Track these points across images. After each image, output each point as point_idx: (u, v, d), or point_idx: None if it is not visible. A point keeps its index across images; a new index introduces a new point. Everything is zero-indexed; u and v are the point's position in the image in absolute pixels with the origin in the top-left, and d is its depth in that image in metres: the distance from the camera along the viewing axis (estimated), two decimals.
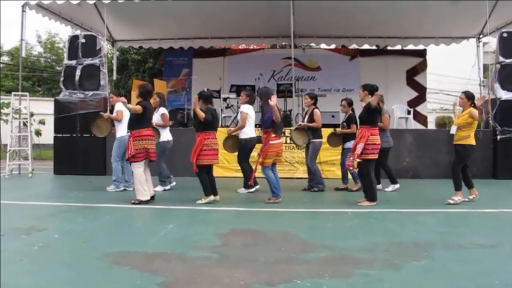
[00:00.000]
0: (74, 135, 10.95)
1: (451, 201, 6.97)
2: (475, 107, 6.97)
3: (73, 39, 11.53)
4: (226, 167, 10.46)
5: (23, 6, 11.22)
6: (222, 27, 14.25)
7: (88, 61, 11.16)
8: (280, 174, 9.72)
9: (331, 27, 14.09)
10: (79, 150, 10.88)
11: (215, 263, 4.05)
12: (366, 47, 15.55)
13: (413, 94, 15.51)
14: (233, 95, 12.49)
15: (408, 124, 14.38)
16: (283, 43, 16.19)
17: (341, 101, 8.79)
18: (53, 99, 12.56)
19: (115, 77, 15.93)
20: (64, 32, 32.36)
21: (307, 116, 8.61)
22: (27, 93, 12.04)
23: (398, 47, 15.56)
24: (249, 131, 8.23)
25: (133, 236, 5.01)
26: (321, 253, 4.35)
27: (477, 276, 3.75)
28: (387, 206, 6.96)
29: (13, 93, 12.44)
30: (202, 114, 6.90)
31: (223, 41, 15.55)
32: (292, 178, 10.13)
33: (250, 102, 8.43)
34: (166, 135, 8.48)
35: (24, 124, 11.73)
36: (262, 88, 8.05)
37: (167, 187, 8.53)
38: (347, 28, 14.18)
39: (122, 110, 8.23)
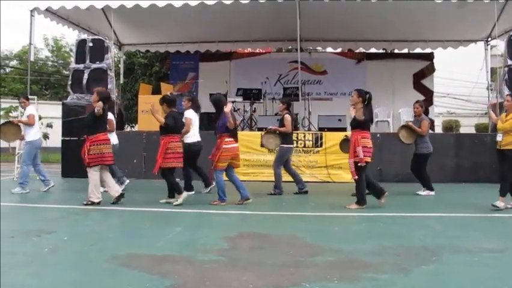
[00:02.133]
0: (82, 138, 10.97)
1: (497, 206, 6.75)
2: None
3: (81, 43, 11.62)
4: None
5: (31, 11, 11.33)
6: (228, 31, 14.29)
7: (96, 65, 11.21)
8: (285, 178, 9.77)
9: (337, 30, 14.10)
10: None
11: (223, 266, 4.06)
12: (373, 50, 15.54)
13: (420, 98, 15.39)
14: (239, 99, 12.52)
15: None
16: (289, 47, 16.22)
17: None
18: (60, 102, 12.64)
19: (121, 80, 16.00)
20: (70, 36, 32.55)
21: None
22: (35, 97, 12.11)
23: (405, 51, 15.51)
24: (193, 136, 8.34)
25: (141, 239, 5.02)
26: (328, 257, 4.35)
27: (486, 281, 3.73)
28: (395, 210, 6.95)
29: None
30: (161, 120, 7.20)
31: (229, 44, 15.59)
32: None
33: (194, 107, 8.58)
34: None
35: None
36: (215, 95, 8.09)
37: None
38: (354, 32, 14.18)
39: (34, 114, 8.37)
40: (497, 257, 4.45)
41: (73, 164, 10.92)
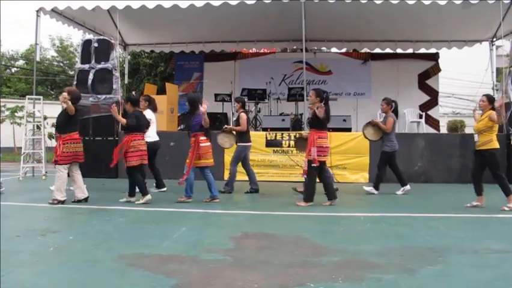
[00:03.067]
0: (87, 138, 11.01)
1: (506, 208, 6.79)
2: (494, 110, 6.91)
3: (86, 43, 11.62)
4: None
5: (37, 11, 11.38)
6: (233, 31, 14.29)
7: (101, 65, 11.23)
8: (291, 178, 9.80)
9: (342, 31, 14.08)
10: (92, 153, 10.88)
11: (229, 266, 4.06)
12: (377, 50, 15.50)
13: (425, 98, 15.41)
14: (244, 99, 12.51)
15: (420, 128, 14.31)
16: (294, 47, 16.19)
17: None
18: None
19: (126, 80, 16.01)
20: (76, 36, 32.68)
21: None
22: (41, 97, 12.15)
23: (410, 51, 15.47)
24: (154, 135, 8.57)
25: (146, 239, 5.03)
26: (334, 257, 4.35)
27: (493, 282, 3.72)
28: (400, 210, 6.95)
29: (27, 96, 12.57)
30: (123, 121, 7.40)
31: (234, 44, 15.59)
32: (303, 182, 10.07)
33: (152, 108, 8.69)
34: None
35: (38, 127, 11.86)
36: (191, 94, 8.27)
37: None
38: (358, 32, 14.16)
39: None
40: (504, 258, 4.42)
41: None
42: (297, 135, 9.03)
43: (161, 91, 13.03)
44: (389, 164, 8.70)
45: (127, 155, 7.28)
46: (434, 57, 15.50)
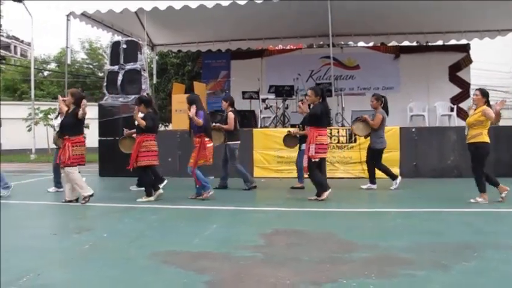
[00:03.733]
0: (118, 138, 11.18)
1: (473, 201, 6.88)
2: (489, 105, 6.82)
3: (115, 45, 11.82)
4: (266, 167, 10.50)
5: (67, 15, 11.64)
6: (259, 29, 14.31)
7: (130, 66, 11.40)
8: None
9: (369, 24, 13.90)
10: (122, 153, 11.11)
11: (260, 262, 4.08)
12: (406, 43, 15.26)
13: (456, 90, 15.05)
14: (272, 96, 12.53)
15: (452, 121, 14.01)
16: (321, 42, 16.09)
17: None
18: (96, 104, 12.90)
19: (155, 80, 16.23)
20: (105, 38, 33.23)
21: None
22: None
23: (440, 42, 15.18)
24: None
25: (178, 236, 5.11)
26: (365, 253, 4.31)
27: None
28: (431, 205, 6.84)
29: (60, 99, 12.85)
30: (143, 122, 7.42)
31: (260, 42, 15.62)
32: (333, 178, 10.03)
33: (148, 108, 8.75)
34: None
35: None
36: (190, 95, 8.19)
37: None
38: (386, 25, 13.98)
39: None
40: None
41: (110, 163, 11.17)
42: (286, 132, 9.09)
43: (189, 90, 13.11)
44: (372, 159, 8.71)
45: (139, 155, 7.43)
46: (465, 48, 15.14)
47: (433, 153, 10.13)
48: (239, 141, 8.84)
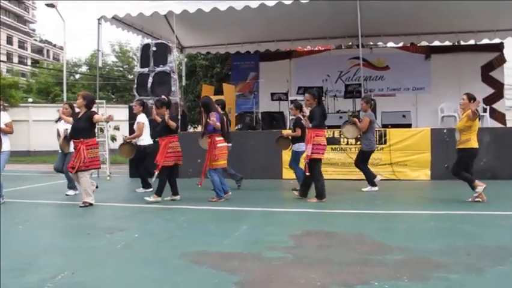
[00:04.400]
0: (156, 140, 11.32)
1: (470, 199, 7.04)
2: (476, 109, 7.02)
3: (145, 47, 12.00)
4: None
5: (99, 19, 11.88)
6: (287, 30, 14.30)
7: (159, 68, 11.55)
8: (350, 176, 9.69)
9: (399, 24, 13.73)
10: (152, 154, 11.24)
11: (290, 263, 4.07)
12: (436, 43, 15.00)
13: (489, 91, 14.69)
14: (300, 97, 12.47)
15: (485, 122, 13.69)
16: (350, 43, 15.97)
17: (291, 103, 9.24)
18: (126, 106, 13.11)
19: (184, 82, 16.38)
20: (134, 41, 33.78)
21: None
22: (104, 101, 12.66)
23: (472, 42, 14.87)
24: (147, 139, 9.09)
25: (208, 237, 5.14)
26: (397, 255, 4.26)
27: None
28: (465, 208, 6.70)
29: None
30: (174, 124, 7.56)
31: (288, 43, 15.61)
32: (363, 180, 9.93)
33: (146, 112, 9.04)
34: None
35: (101, 130, 12.35)
36: (204, 98, 8.33)
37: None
38: (416, 25, 13.74)
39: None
40: None
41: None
42: (279, 134, 9.29)
43: (218, 92, 13.21)
44: (363, 161, 8.79)
45: (166, 155, 7.50)
46: (498, 47, 14.79)
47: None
48: (230, 144, 8.90)
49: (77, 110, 7.80)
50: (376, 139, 10.15)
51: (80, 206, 7.16)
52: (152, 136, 8.96)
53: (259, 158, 10.23)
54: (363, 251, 4.42)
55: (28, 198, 8.11)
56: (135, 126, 9.13)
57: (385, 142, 10.15)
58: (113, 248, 4.71)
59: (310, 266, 3.98)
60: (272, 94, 12.97)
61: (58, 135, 8.54)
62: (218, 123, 7.43)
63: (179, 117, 11.18)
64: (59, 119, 8.56)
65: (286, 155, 10.44)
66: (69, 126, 7.83)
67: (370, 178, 8.64)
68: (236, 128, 13.28)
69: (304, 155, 7.50)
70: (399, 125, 10.52)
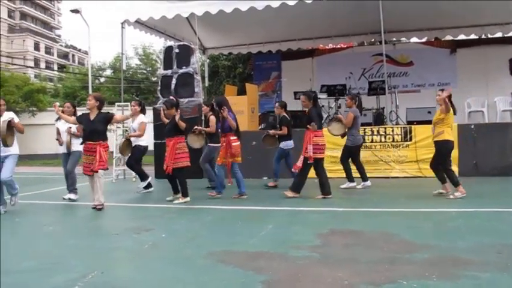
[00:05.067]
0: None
1: (452, 197, 7.16)
2: (452, 103, 7.16)
3: (168, 50, 12.08)
4: None
5: (122, 23, 12.04)
6: (309, 28, 14.24)
7: (182, 70, 11.62)
8: (375, 174, 9.60)
9: (422, 19, 13.49)
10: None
11: (317, 262, 4.06)
12: (461, 37, 14.72)
13: None
14: (324, 95, 12.42)
15: None
16: (372, 40, 15.82)
17: (275, 103, 9.36)
18: (151, 108, 13.23)
19: (207, 83, 16.47)
20: (157, 44, 34.11)
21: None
22: (129, 103, 12.79)
23: (499, 35, 14.52)
24: (147, 139, 9.28)
25: (234, 236, 5.16)
26: (425, 253, 4.20)
27: None
28: (495, 205, 6.54)
29: (116, 104, 13.35)
30: (183, 125, 7.61)
31: (310, 41, 15.54)
32: (388, 177, 9.85)
33: (144, 112, 9.17)
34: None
35: (126, 131, 12.49)
36: (218, 97, 8.57)
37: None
38: (440, 19, 13.48)
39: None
40: None
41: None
42: (265, 133, 9.40)
43: (241, 92, 13.23)
44: (351, 158, 8.84)
45: (176, 157, 7.55)
46: None
47: (494, 151, 9.71)
48: (219, 144, 8.90)
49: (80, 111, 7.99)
50: (402, 136, 10.04)
51: (98, 208, 7.06)
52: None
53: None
54: (391, 249, 4.37)
55: (56, 200, 8.23)
56: (136, 126, 9.14)
57: (410, 139, 10.01)
58: (140, 248, 4.77)
59: (337, 265, 3.96)
60: (295, 93, 12.90)
61: (58, 133, 8.28)
62: (234, 123, 7.71)
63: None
64: (59, 118, 8.20)
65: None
66: (71, 125, 7.88)
67: (349, 174, 8.80)
68: (259, 127, 13.29)
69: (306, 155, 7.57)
70: (425, 121, 10.34)
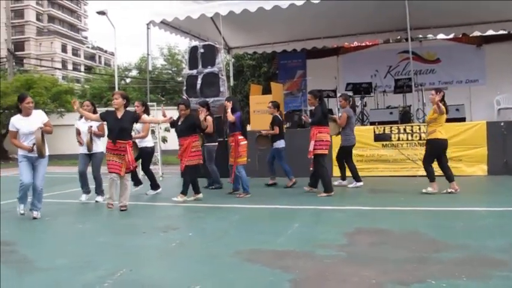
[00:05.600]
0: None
1: (424, 191, 7.55)
2: (444, 103, 7.49)
3: (193, 49, 12.15)
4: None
5: (147, 24, 12.19)
6: (334, 26, 14.15)
7: (208, 69, 11.68)
8: (402, 172, 9.50)
9: (449, 15, 13.22)
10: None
11: (343, 261, 4.05)
12: (490, 32, 14.40)
13: None
14: (349, 94, 12.32)
15: None
16: (398, 37, 15.62)
17: (268, 103, 9.42)
18: (176, 108, 13.35)
19: (232, 83, 16.51)
20: (182, 45, 34.41)
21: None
22: (155, 104, 12.96)
23: None
24: (151, 139, 9.25)
25: (261, 235, 5.18)
26: (455, 253, 4.14)
27: None
28: None
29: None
30: (207, 124, 8.13)
31: (335, 40, 15.43)
32: (416, 176, 9.72)
33: (148, 112, 8.88)
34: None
35: (153, 132, 12.64)
36: (230, 96, 8.87)
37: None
38: (467, 14, 13.18)
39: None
40: None
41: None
42: (258, 133, 9.52)
43: (266, 91, 13.24)
44: (341, 156, 9.00)
45: (191, 155, 7.63)
46: None
47: None
48: (216, 143, 9.28)
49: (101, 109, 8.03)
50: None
51: (123, 209, 6.98)
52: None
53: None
54: (419, 248, 4.33)
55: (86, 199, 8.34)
56: (139, 127, 8.76)
57: None
58: (168, 246, 4.83)
59: (363, 264, 3.94)
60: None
61: (78, 134, 8.06)
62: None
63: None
64: (81, 117, 8.01)
65: (336, 153, 10.36)
66: (91, 124, 7.81)
67: (356, 174, 8.87)
68: (285, 126, 13.28)
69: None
70: (453, 119, 10.18)
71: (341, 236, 4.90)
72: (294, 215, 6.35)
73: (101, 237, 5.47)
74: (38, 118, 6.53)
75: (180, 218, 6.64)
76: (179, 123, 7.95)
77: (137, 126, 8.61)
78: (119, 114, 7.05)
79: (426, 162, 7.72)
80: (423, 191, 7.55)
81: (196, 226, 5.92)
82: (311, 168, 8.03)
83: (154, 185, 8.90)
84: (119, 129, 6.96)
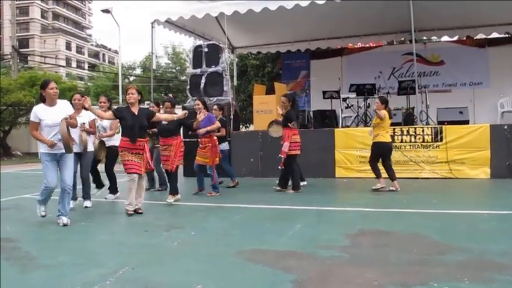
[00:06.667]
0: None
1: (374, 187, 8.22)
2: (389, 109, 8.29)
3: (197, 49, 12.18)
4: (348, 167, 10.34)
5: (152, 23, 12.22)
6: (338, 27, 14.14)
7: (212, 69, 11.69)
8: (405, 174, 9.49)
9: (453, 17, 13.18)
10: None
11: (346, 262, 4.05)
12: (494, 35, 14.36)
13: None
14: (353, 95, 12.34)
15: None
16: (402, 38, 15.61)
17: (213, 106, 9.51)
18: (180, 106, 13.36)
19: (235, 82, 16.53)
20: (186, 44, 34.44)
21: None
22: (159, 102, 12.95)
23: None
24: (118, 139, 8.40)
25: (263, 235, 5.18)
26: (458, 256, 4.14)
27: None
28: None
29: (146, 102, 13.54)
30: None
31: (339, 40, 15.41)
32: (418, 178, 9.71)
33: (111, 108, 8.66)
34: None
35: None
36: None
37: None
38: (471, 17, 13.14)
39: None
40: None
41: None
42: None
43: (270, 91, 13.23)
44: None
45: (180, 155, 7.61)
46: None
47: None
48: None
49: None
50: (432, 136, 9.88)
51: (140, 212, 6.68)
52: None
53: (311, 157, 10.15)
54: (421, 251, 4.33)
55: (96, 197, 8.21)
56: (107, 124, 7.89)
57: (441, 139, 9.84)
58: (170, 245, 4.84)
59: (366, 265, 3.94)
60: (324, 92, 12.86)
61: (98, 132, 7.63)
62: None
63: (231, 116, 11.32)
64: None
65: (339, 154, 10.37)
66: (84, 121, 7.09)
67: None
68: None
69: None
70: (456, 121, 10.16)
71: (343, 237, 4.90)
72: (296, 216, 6.35)
73: (103, 235, 5.48)
74: (63, 109, 5.90)
75: (183, 217, 6.64)
76: (164, 122, 7.51)
77: (103, 123, 7.81)
78: (135, 110, 6.62)
79: (372, 162, 8.36)
80: (373, 187, 8.20)
81: (198, 225, 5.92)
82: (280, 167, 8.39)
83: (114, 189, 8.26)
84: (139, 127, 6.53)
